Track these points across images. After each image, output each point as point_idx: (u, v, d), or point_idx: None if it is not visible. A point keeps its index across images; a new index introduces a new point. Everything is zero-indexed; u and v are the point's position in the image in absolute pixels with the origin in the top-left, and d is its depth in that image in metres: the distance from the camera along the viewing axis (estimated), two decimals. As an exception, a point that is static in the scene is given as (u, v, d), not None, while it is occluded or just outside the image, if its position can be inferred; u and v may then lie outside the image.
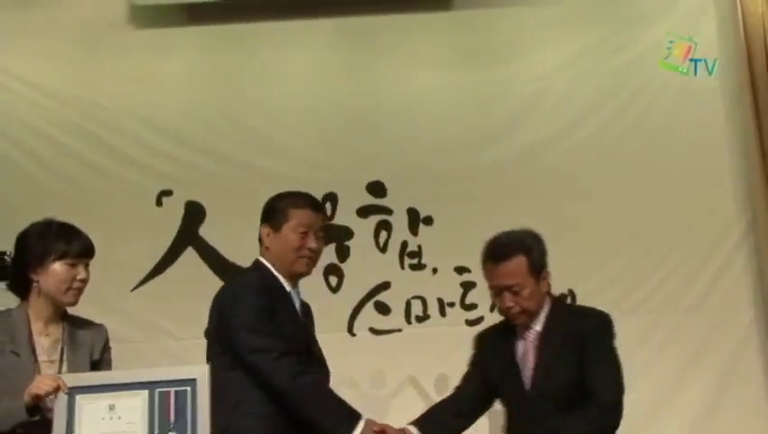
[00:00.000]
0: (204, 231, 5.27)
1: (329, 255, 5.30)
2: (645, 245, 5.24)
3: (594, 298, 5.15)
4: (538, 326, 3.23)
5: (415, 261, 5.24)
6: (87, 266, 3.08)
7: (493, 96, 5.39)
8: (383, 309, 5.23)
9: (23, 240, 3.06)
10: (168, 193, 5.33)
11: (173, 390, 2.81)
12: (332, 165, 5.33)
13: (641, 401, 5.04)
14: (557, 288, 5.11)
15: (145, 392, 2.81)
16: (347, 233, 5.30)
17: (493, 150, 5.33)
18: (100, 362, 3.12)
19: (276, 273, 3.24)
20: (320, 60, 5.44)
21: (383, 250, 5.29)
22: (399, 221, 5.30)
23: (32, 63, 5.40)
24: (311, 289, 5.09)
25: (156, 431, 2.78)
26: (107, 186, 5.30)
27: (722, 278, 5.24)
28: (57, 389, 2.79)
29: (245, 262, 3.45)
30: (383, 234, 5.30)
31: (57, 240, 3.02)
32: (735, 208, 5.28)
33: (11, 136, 5.33)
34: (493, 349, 3.30)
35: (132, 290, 5.18)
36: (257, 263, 3.29)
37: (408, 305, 5.20)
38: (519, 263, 3.16)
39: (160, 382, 2.82)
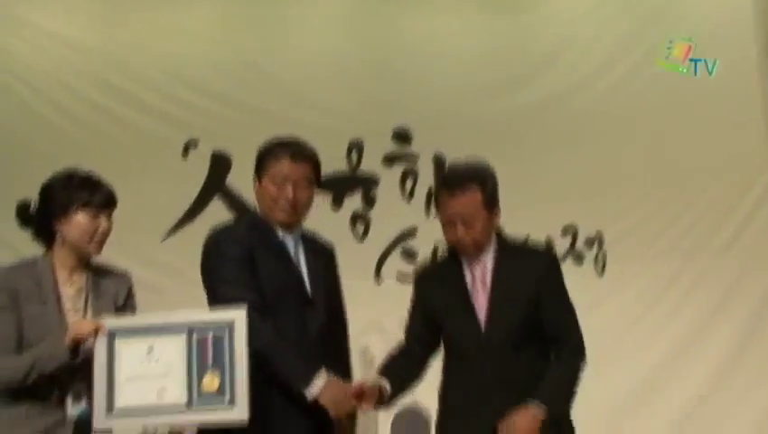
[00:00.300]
0: (231, 181, 5.29)
1: (355, 203, 5.36)
2: (675, 188, 5.25)
3: (623, 241, 5.23)
4: (487, 261, 3.20)
5: (441, 208, 5.26)
6: (109, 216, 3.11)
7: (522, 40, 5.38)
8: (410, 256, 5.26)
9: (47, 190, 3.09)
10: (194, 143, 5.31)
11: (210, 332, 2.84)
12: (357, 112, 5.34)
13: (669, 344, 5.11)
14: (586, 231, 5.21)
15: (183, 335, 2.84)
16: (373, 181, 5.34)
17: (521, 94, 5.33)
18: (124, 308, 3.16)
19: (267, 220, 3.22)
20: (345, 7, 5.43)
21: (409, 197, 5.31)
22: (425, 168, 5.31)
23: (57, 16, 5.39)
24: (337, 237, 5.10)
25: (195, 373, 2.82)
26: (132, 138, 5.31)
27: (752, 220, 5.24)
28: (96, 331, 2.83)
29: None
30: (409, 181, 5.32)
31: (80, 191, 3.04)
32: (767, 149, 5.24)
33: (37, 87, 5.32)
34: (439, 285, 3.25)
35: (162, 241, 5.20)
36: (252, 210, 3.30)
37: (435, 251, 5.21)
38: (474, 195, 3.12)
39: (198, 324, 2.85)
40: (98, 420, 2.78)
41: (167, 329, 2.85)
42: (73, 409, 2.92)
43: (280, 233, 3.21)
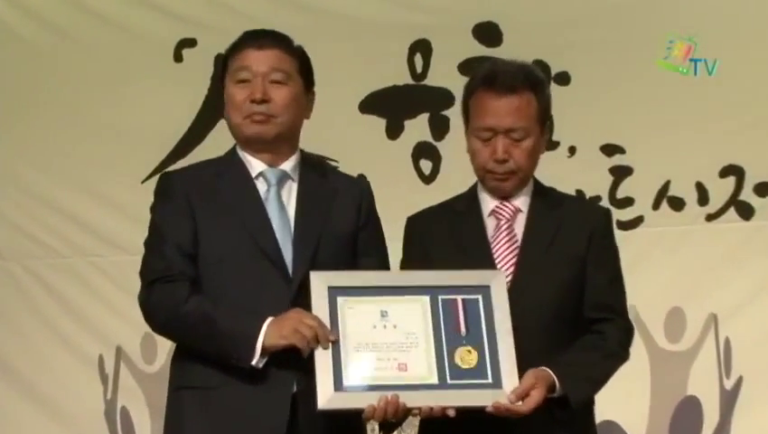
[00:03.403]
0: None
1: (420, 130, 5.29)
2: None
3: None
4: (519, 204, 3.21)
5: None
6: None
7: None
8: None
9: None
10: (191, 42, 5.37)
11: (460, 297, 3.01)
12: (425, 1, 5.34)
13: None
14: (755, 174, 5.18)
15: (426, 298, 3.01)
16: (445, 98, 5.18)
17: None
18: None
19: (241, 153, 3.22)
20: None
21: (498, 121, 5.26)
22: (522, 80, 5.27)
23: None
24: (394, 178, 5.08)
25: (444, 345, 2.97)
26: (110, 38, 5.42)
27: None
28: (316, 340, 2.93)
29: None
30: (497, 98, 5.27)
31: None
32: None
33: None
34: (445, 233, 3.24)
35: (144, 181, 5.21)
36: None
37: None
38: (528, 101, 3.15)
39: (444, 286, 3.03)
40: (324, 399, 2.89)
41: (404, 290, 3.03)
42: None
43: (255, 169, 3.18)
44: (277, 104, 3.11)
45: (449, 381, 2.93)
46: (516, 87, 3.12)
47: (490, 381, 2.94)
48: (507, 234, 3.17)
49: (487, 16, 5.20)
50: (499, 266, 3.13)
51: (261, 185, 3.16)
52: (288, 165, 3.18)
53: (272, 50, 3.14)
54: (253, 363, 2.93)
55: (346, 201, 3.23)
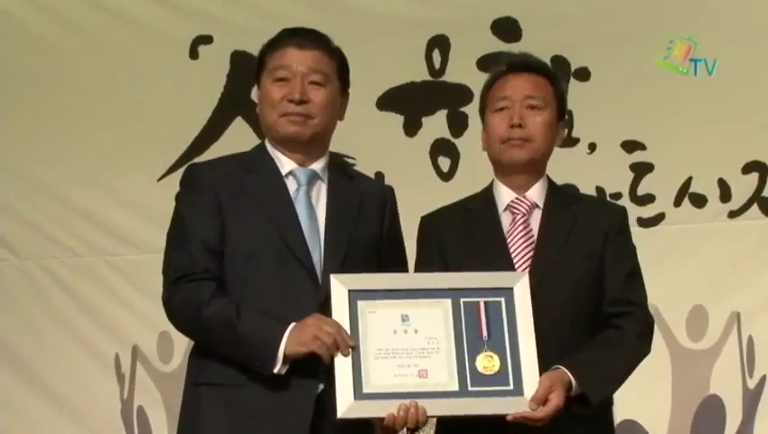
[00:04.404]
0: (259, 94, 5.32)
1: (438, 126, 5.28)
2: None
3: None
4: (535, 197, 3.23)
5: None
6: None
7: None
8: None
9: None
10: (206, 39, 5.36)
11: (482, 300, 3.00)
12: (443, -5, 5.34)
13: None
14: None
15: (448, 302, 3.00)
16: (463, 95, 5.18)
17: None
18: None
19: (272, 150, 3.23)
20: None
21: (517, 114, 5.26)
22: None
23: None
24: (411, 176, 5.09)
25: (465, 351, 2.95)
26: (125, 35, 5.45)
27: None
28: (336, 347, 2.92)
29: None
30: (516, 94, 5.26)
31: None
32: None
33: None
34: (460, 231, 3.24)
35: (159, 180, 5.27)
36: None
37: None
38: (545, 82, 3.27)
39: (466, 289, 3.01)
40: (344, 407, 2.89)
41: (425, 293, 3.01)
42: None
43: (285, 167, 3.19)
44: (315, 105, 3.11)
45: (470, 387, 2.93)
46: (533, 68, 3.24)
47: (511, 387, 2.94)
48: (523, 230, 3.18)
49: (506, 11, 5.20)
50: (515, 261, 3.14)
51: (291, 184, 3.16)
52: (318, 165, 3.18)
53: (313, 50, 3.15)
54: (275, 371, 2.93)
55: (372, 205, 3.25)
